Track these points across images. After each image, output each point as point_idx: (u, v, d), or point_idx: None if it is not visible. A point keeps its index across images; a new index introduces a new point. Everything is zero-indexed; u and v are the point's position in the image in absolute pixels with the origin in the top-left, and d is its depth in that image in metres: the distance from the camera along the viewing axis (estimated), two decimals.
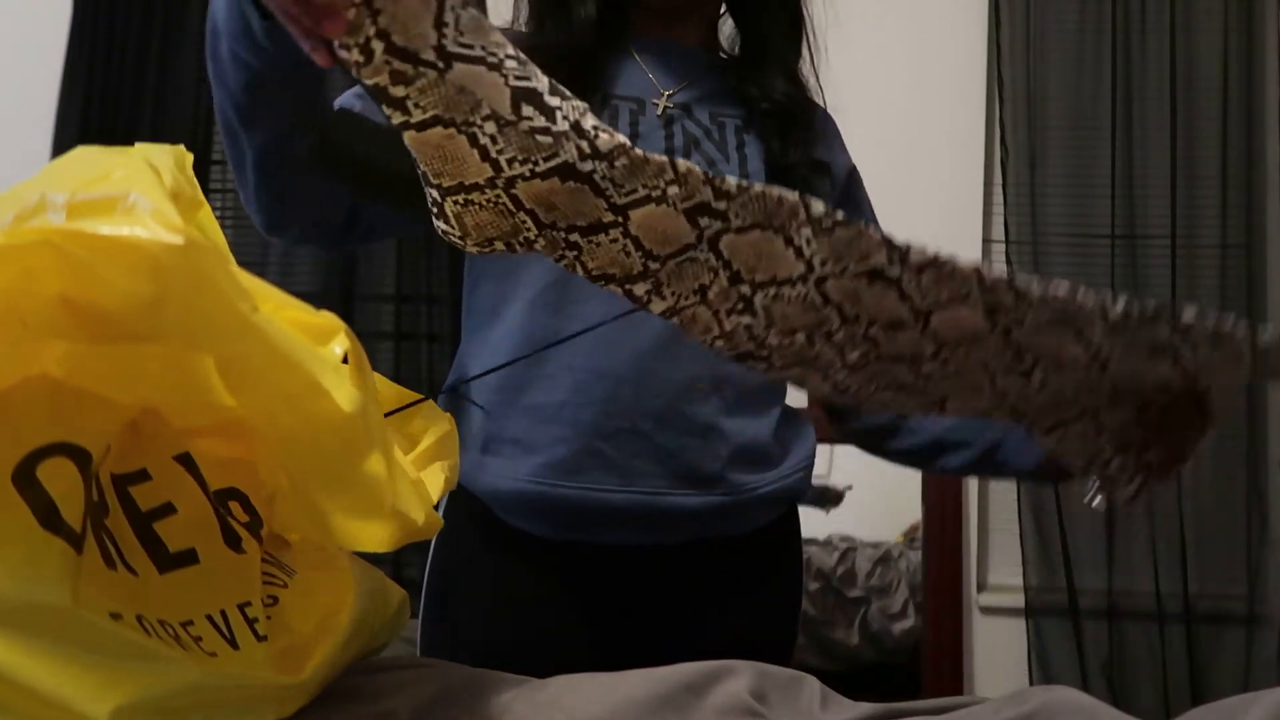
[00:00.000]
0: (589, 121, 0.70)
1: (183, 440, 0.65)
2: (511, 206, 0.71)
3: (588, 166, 0.70)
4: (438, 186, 0.71)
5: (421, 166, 0.71)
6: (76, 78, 3.13)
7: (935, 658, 2.85)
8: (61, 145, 3.10)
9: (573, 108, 0.71)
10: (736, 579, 1.13)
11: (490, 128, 0.69)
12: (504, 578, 1.11)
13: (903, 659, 2.99)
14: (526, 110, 0.69)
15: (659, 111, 1.13)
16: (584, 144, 0.70)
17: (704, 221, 0.72)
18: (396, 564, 2.67)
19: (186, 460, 0.65)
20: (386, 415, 0.79)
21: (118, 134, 3.11)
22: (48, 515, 0.55)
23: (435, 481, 0.76)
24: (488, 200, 0.71)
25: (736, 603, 1.13)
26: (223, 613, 0.64)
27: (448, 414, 0.85)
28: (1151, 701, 2.75)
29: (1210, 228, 2.90)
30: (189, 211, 0.62)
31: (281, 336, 0.56)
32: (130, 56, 3.14)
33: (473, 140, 0.69)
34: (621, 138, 0.71)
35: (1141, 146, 2.92)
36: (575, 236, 0.73)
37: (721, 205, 0.72)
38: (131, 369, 0.58)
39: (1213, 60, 2.92)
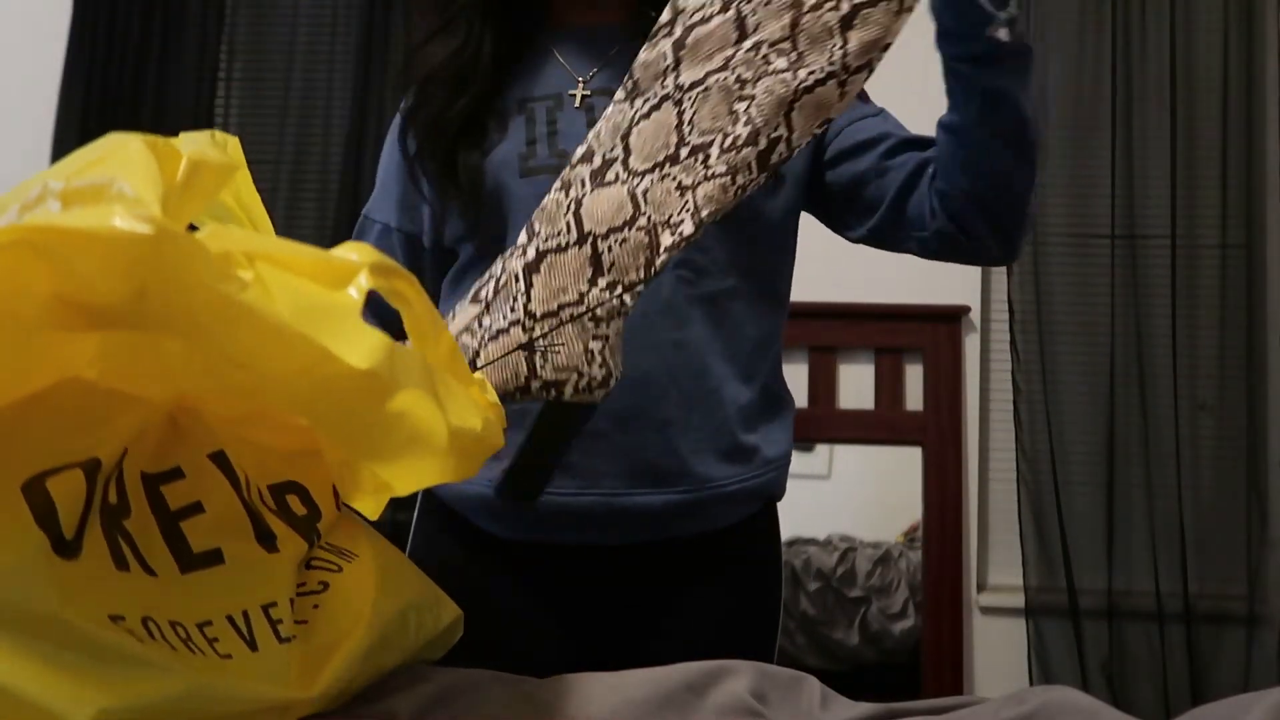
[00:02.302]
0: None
1: (218, 438, 0.65)
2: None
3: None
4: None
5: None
6: (76, 78, 3.13)
7: (935, 658, 2.85)
8: (61, 145, 3.10)
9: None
10: (709, 576, 1.12)
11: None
12: (479, 579, 1.11)
13: (903, 659, 2.99)
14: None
15: (577, 103, 1.12)
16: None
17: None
18: None
19: (220, 458, 0.65)
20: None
21: None
22: (45, 521, 0.55)
23: (488, 396, 0.75)
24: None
25: (710, 600, 1.11)
26: (245, 613, 0.64)
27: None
28: (1151, 701, 2.75)
29: (1210, 228, 2.91)
30: (211, 184, 0.61)
31: (275, 310, 0.54)
32: (130, 56, 3.14)
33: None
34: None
35: (1141, 146, 2.92)
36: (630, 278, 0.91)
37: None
38: (162, 360, 0.57)
39: (1213, 60, 2.92)
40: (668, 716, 0.72)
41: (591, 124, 1.09)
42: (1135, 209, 2.92)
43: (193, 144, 0.61)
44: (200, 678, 0.58)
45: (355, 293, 0.60)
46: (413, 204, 1.18)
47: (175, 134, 0.64)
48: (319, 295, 0.58)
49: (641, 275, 0.90)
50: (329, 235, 3.06)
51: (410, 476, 0.66)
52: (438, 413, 0.60)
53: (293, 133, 3.16)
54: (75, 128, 3.10)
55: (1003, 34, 0.93)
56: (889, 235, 1.13)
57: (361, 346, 0.56)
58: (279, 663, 0.63)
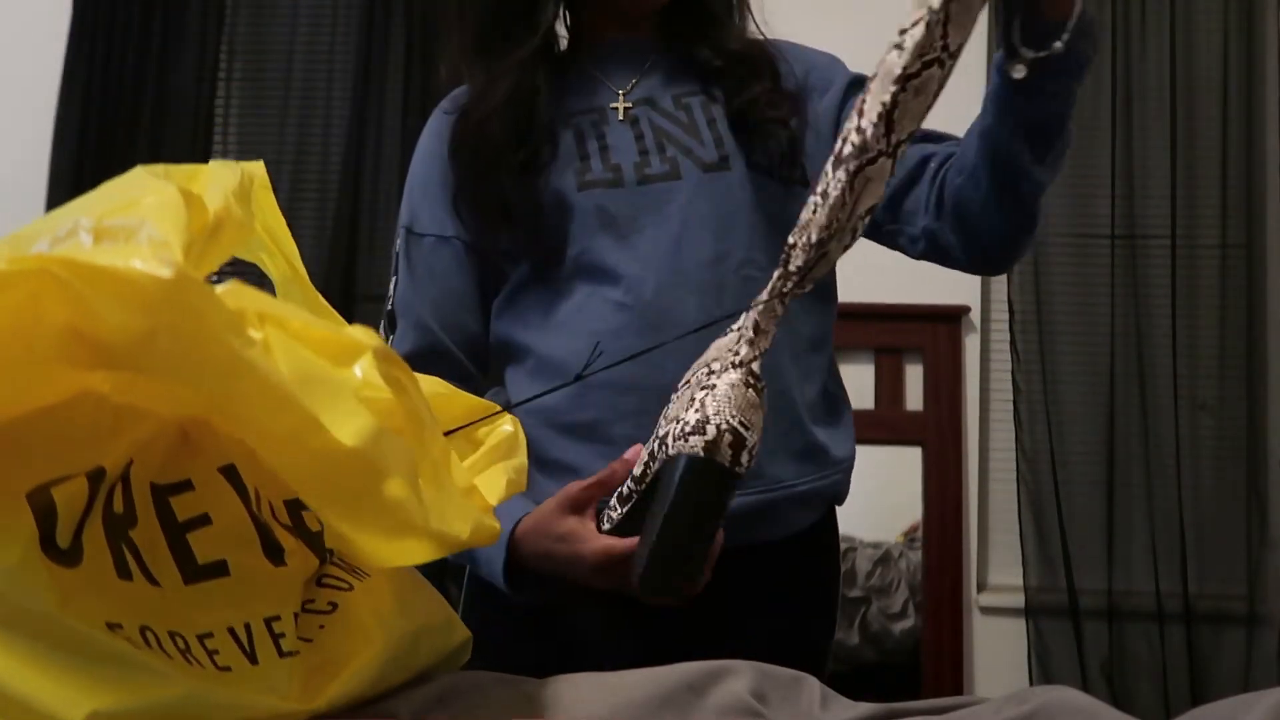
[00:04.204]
0: None
1: (229, 452, 0.65)
2: None
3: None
4: None
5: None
6: (76, 78, 3.13)
7: (935, 658, 2.85)
8: (61, 145, 3.10)
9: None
10: (773, 588, 1.11)
11: None
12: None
13: (903, 659, 2.99)
14: None
15: (620, 116, 1.13)
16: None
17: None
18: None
19: (231, 472, 0.65)
20: (457, 429, 0.79)
21: (118, 134, 3.12)
22: (45, 525, 0.56)
23: (494, 486, 0.75)
24: None
25: (773, 612, 1.11)
26: (246, 625, 0.64)
27: (512, 416, 0.84)
28: (1151, 701, 2.75)
29: (1210, 228, 2.91)
30: (232, 240, 0.63)
31: (277, 371, 0.55)
32: (130, 56, 3.14)
33: None
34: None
35: (1141, 146, 2.92)
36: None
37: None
38: (167, 389, 0.58)
39: (1213, 60, 2.92)
40: (667, 716, 0.72)
41: (638, 137, 1.12)
42: (1135, 209, 2.92)
43: (219, 184, 0.62)
44: (196, 685, 0.58)
45: (359, 372, 0.61)
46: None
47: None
48: (321, 368, 0.59)
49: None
50: (329, 235, 3.06)
51: (384, 556, 0.66)
52: (419, 507, 0.60)
53: (293, 133, 3.16)
54: (75, 128, 3.10)
55: (1017, 72, 0.90)
56: (882, 229, 1.13)
57: (352, 424, 0.57)
58: (279, 677, 0.64)
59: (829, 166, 0.87)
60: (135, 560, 0.60)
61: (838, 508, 1.21)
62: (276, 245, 0.78)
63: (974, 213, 1.04)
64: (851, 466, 1.17)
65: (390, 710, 0.71)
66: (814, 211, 0.87)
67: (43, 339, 0.52)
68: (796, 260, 0.87)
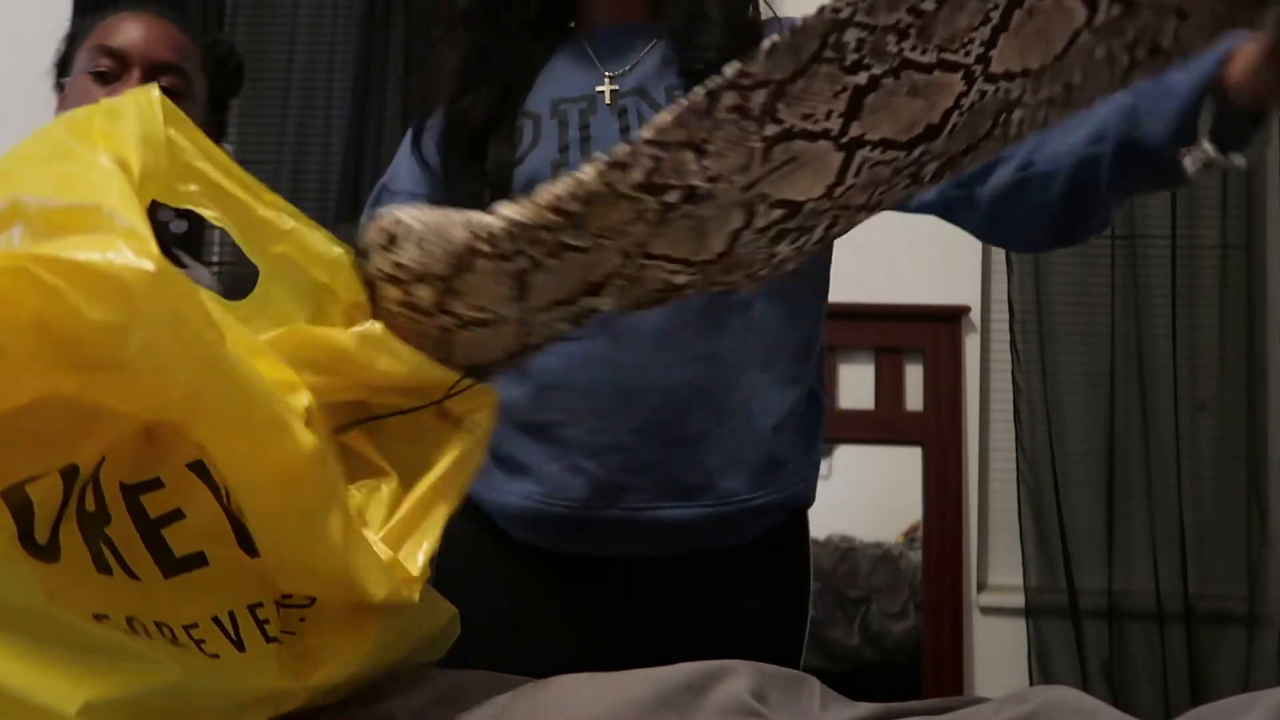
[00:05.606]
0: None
1: (196, 449, 0.65)
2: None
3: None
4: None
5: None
6: None
7: (935, 658, 2.85)
8: None
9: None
10: (737, 589, 1.11)
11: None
12: (506, 583, 1.11)
13: (903, 659, 2.99)
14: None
15: (608, 101, 1.11)
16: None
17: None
18: None
19: (199, 468, 0.65)
20: (441, 400, 0.77)
21: None
22: (24, 523, 0.55)
23: (412, 557, 0.72)
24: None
25: (738, 612, 1.11)
26: (230, 614, 0.64)
27: (491, 391, 0.80)
28: (1151, 701, 2.75)
29: (1210, 228, 2.90)
30: (179, 170, 0.62)
31: (247, 370, 0.56)
32: None
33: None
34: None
35: None
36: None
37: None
38: (138, 387, 0.58)
39: None
40: (667, 716, 0.71)
41: (624, 129, 1.09)
42: (1135, 209, 2.91)
43: (127, 137, 0.61)
44: (188, 671, 0.58)
45: (305, 400, 0.63)
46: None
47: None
48: (271, 384, 0.60)
49: None
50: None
51: (303, 586, 0.66)
52: (344, 555, 0.61)
53: (293, 133, 3.16)
54: None
55: (1188, 162, 0.83)
56: (959, 210, 1.03)
57: (305, 435, 0.58)
58: (267, 661, 0.64)
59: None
60: (113, 555, 0.60)
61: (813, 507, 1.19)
62: (209, 160, 0.69)
63: (1027, 208, 0.98)
64: (817, 470, 1.15)
65: (389, 710, 0.71)
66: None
67: (13, 338, 0.52)
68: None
